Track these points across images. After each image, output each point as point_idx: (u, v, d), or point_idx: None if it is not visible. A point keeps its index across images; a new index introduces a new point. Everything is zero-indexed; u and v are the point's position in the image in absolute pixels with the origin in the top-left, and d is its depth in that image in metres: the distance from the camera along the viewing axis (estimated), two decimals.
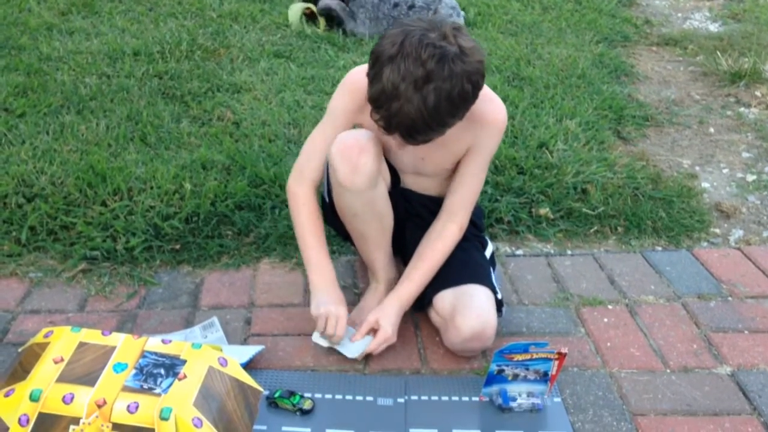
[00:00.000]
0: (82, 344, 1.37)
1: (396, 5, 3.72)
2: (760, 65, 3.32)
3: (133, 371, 1.32)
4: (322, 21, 3.73)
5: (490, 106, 1.65)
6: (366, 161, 1.60)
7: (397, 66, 1.42)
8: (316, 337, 1.72)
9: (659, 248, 2.19)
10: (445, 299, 1.72)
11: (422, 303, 1.80)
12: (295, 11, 3.78)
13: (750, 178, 2.56)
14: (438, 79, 1.41)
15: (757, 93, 3.17)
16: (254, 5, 4.01)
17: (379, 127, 1.51)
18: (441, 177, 1.78)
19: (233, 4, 4.00)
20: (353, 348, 1.71)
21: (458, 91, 1.44)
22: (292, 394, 1.57)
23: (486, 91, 1.63)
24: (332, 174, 1.66)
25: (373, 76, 1.47)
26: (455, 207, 1.75)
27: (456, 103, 1.46)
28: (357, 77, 1.64)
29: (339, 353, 1.71)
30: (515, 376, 1.58)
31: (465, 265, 1.78)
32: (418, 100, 1.42)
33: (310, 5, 3.75)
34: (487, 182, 2.33)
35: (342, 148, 1.61)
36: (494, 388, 1.60)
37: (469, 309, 1.67)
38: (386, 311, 1.73)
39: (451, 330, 1.69)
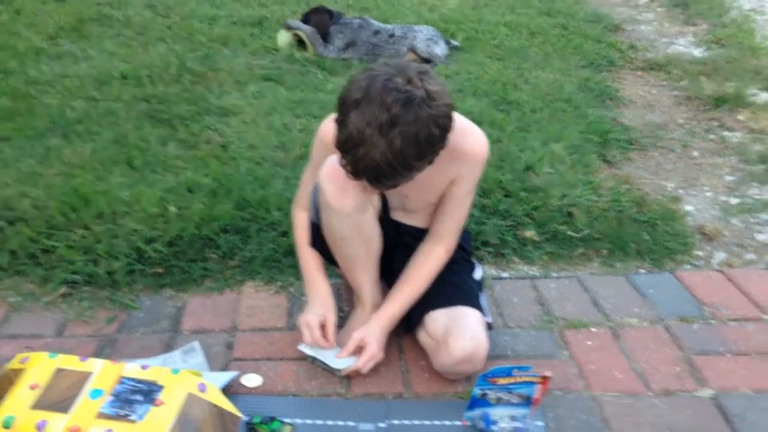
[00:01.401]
0: (59, 370, 1.35)
1: (377, 32, 3.76)
2: (744, 90, 3.35)
3: (110, 398, 1.31)
4: (311, 46, 3.77)
5: (470, 139, 1.66)
6: (355, 184, 1.60)
7: (363, 111, 1.41)
8: (303, 345, 1.73)
9: (643, 271, 2.20)
10: (438, 320, 1.72)
11: (410, 324, 1.79)
12: (284, 36, 3.82)
13: (733, 201, 2.57)
14: (403, 123, 1.40)
15: (740, 117, 3.20)
16: (244, 30, 4.04)
17: (347, 173, 1.51)
18: (428, 211, 1.79)
19: (223, 29, 4.03)
20: (338, 362, 1.71)
21: (425, 136, 1.43)
22: (272, 419, 1.56)
23: (464, 125, 1.64)
24: (321, 196, 1.66)
25: (340, 121, 1.46)
26: (442, 231, 1.76)
27: (423, 148, 1.45)
28: (327, 128, 1.66)
29: (323, 375, 1.70)
30: (498, 400, 1.57)
31: (457, 287, 1.78)
32: (384, 145, 1.41)
33: (298, 32, 3.79)
34: (473, 205, 2.33)
35: (331, 170, 1.62)
36: (477, 412, 1.59)
37: (463, 331, 1.67)
38: (372, 329, 1.73)
39: (442, 351, 1.68)
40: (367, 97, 1.41)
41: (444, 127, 1.47)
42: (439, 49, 3.72)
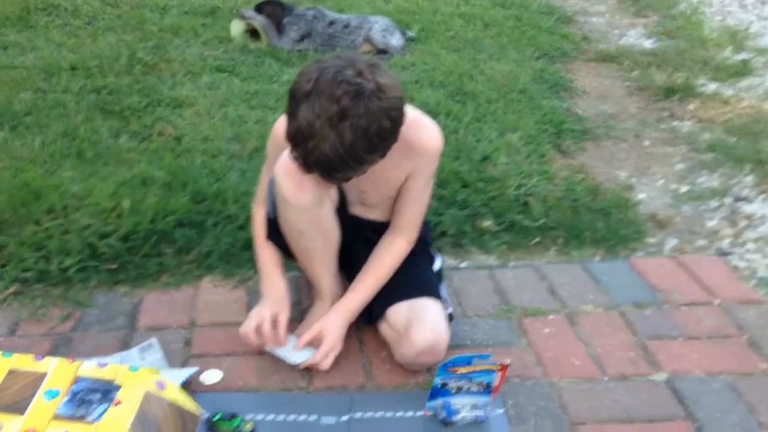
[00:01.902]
0: (12, 371, 1.32)
1: (332, 23, 3.74)
2: (693, 80, 3.43)
3: (66, 398, 1.28)
4: (264, 36, 3.72)
5: (424, 132, 1.65)
6: (310, 178, 1.59)
7: (312, 104, 1.40)
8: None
9: (598, 258, 2.24)
10: (399, 312, 1.72)
11: (371, 316, 1.80)
12: (237, 26, 3.76)
13: (683, 189, 2.64)
14: (353, 116, 1.40)
15: (690, 107, 3.28)
16: (196, 19, 3.97)
17: (298, 166, 1.50)
18: (386, 204, 1.79)
19: (174, 18, 3.95)
20: (297, 355, 1.70)
21: (375, 128, 1.42)
22: (233, 416, 1.55)
23: (418, 118, 1.64)
24: (277, 191, 1.65)
25: (290, 114, 1.45)
26: (402, 224, 1.77)
27: (373, 141, 1.44)
28: (281, 125, 1.63)
29: (285, 369, 1.70)
30: (459, 389, 1.58)
31: (417, 279, 1.79)
32: (334, 137, 1.40)
33: (252, 21, 3.74)
34: (431, 196, 2.34)
35: (287, 165, 1.60)
36: (438, 402, 1.60)
37: (424, 322, 1.68)
38: (331, 320, 1.73)
39: (404, 343, 1.69)
40: (316, 89, 1.40)
41: (395, 120, 1.46)
42: (395, 40, 3.72)
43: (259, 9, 3.81)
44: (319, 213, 1.67)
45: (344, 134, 1.40)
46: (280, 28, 3.75)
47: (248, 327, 1.71)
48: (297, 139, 1.44)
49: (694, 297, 2.04)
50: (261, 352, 1.76)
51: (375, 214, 1.82)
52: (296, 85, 1.45)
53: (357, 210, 1.82)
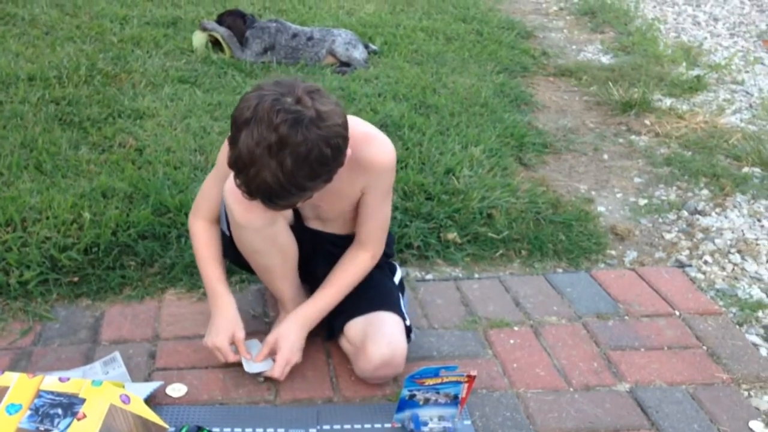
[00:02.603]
0: None
1: (295, 35, 3.74)
2: (649, 95, 3.52)
3: (28, 412, 1.25)
4: (227, 47, 3.71)
5: (375, 148, 1.65)
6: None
7: (251, 131, 1.39)
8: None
9: (560, 270, 2.28)
10: (356, 327, 1.73)
11: (333, 332, 1.79)
12: (199, 37, 3.74)
13: (642, 202, 2.70)
14: (292, 144, 1.39)
15: (647, 122, 3.36)
16: (157, 30, 3.94)
17: (242, 193, 1.49)
18: (344, 218, 1.79)
19: (135, 29, 3.91)
20: (254, 366, 1.70)
21: (316, 156, 1.41)
22: (199, 429, 1.53)
23: (370, 133, 1.65)
24: (229, 214, 1.65)
25: (232, 140, 1.44)
26: (365, 237, 1.76)
27: (314, 168, 1.43)
28: None
29: (251, 382, 1.69)
30: (426, 401, 1.59)
31: (375, 292, 1.79)
32: (275, 165, 1.39)
33: (214, 33, 3.72)
34: (396, 208, 2.35)
35: (234, 188, 1.60)
36: (406, 414, 1.60)
37: (379, 336, 1.68)
38: (285, 329, 1.71)
39: (361, 358, 1.69)
40: (255, 116, 1.39)
41: (336, 146, 1.45)
42: (358, 53, 3.73)
43: (220, 19, 3.80)
44: (273, 231, 1.66)
45: (284, 162, 1.39)
46: (242, 41, 3.74)
47: (213, 342, 1.69)
48: (238, 166, 1.43)
49: (654, 308, 2.09)
50: (226, 365, 1.74)
51: (333, 228, 1.81)
52: (237, 111, 1.44)
53: (314, 224, 1.81)
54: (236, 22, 3.76)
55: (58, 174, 2.43)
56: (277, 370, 1.68)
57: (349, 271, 1.75)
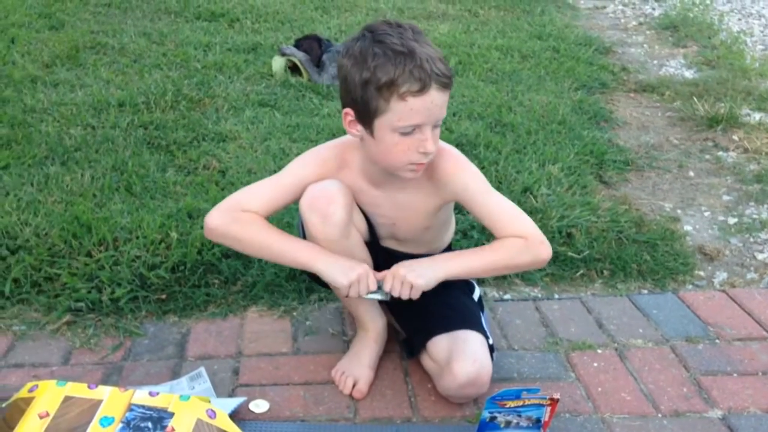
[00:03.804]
0: (67, 398, 1.34)
1: None
2: (737, 110, 3.40)
3: (120, 425, 1.30)
4: (305, 71, 3.79)
5: (446, 161, 1.65)
6: (335, 210, 1.61)
7: (381, 41, 1.49)
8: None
9: (645, 291, 2.21)
10: (440, 344, 1.70)
11: (412, 350, 1.79)
12: (278, 62, 3.84)
13: (731, 221, 2.60)
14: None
15: (735, 137, 3.24)
16: (239, 56, 4.06)
17: (415, 93, 1.47)
18: (419, 238, 1.78)
19: (218, 55, 4.04)
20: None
21: None
22: None
23: (439, 147, 1.64)
24: (305, 226, 1.67)
25: (374, 68, 1.47)
26: (501, 229, 1.66)
27: None
28: (323, 153, 1.72)
29: (331, 400, 1.71)
30: (508, 423, 1.56)
31: (457, 310, 1.77)
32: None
33: (293, 57, 3.81)
34: (473, 227, 2.34)
35: (311, 199, 1.63)
36: None
37: (465, 354, 1.66)
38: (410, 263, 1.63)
39: (446, 376, 1.67)
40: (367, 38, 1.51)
41: None
42: None
43: (297, 44, 3.89)
44: (348, 245, 1.67)
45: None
46: (319, 64, 3.82)
47: (357, 273, 1.62)
48: (399, 60, 1.46)
49: (747, 331, 2.00)
50: (307, 382, 1.77)
51: (408, 247, 1.80)
52: (342, 63, 1.54)
53: (389, 243, 1.81)
54: (313, 46, 3.84)
55: (146, 195, 2.53)
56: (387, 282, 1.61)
57: (495, 247, 1.65)
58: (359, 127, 1.57)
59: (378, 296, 1.65)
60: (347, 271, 1.61)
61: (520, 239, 1.64)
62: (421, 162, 1.57)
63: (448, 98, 1.55)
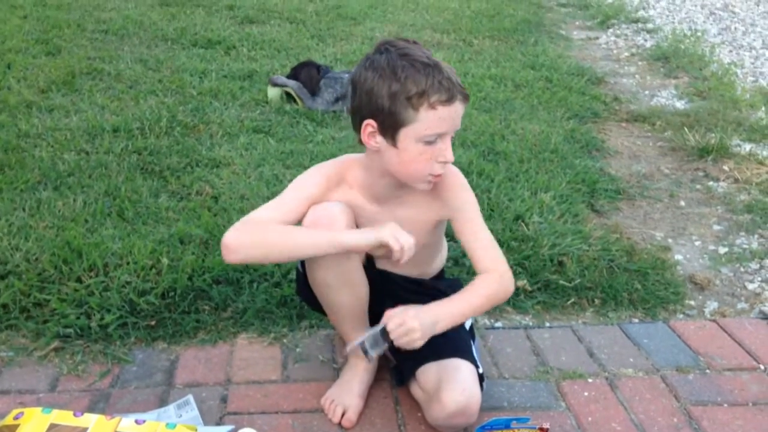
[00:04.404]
0: (53, 426, 1.33)
1: None
2: (727, 140, 3.43)
3: None
4: (299, 99, 3.81)
5: (445, 174, 1.67)
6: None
7: (408, 57, 1.54)
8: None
9: (636, 320, 2.21)
10: (429, 373, 1.70)
11: (402, 377, 1.78)
12: (273, 91, 3.86)
13: (722, 250, 2.60)
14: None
15: (725, 167, 3.27)
16: (234, 83, 4.09)
17: (444, 102, 1.52)
18: (415, 256, 1.77)
19: (213, 82, 4.07)
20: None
21: None
22: None
23: None
24: None
25: (404, 79, 1.51)
26: (481, 264, 1.71)
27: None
28: (320, 172, 1.72)
29: (319, 428, 1.69)
30: None
31: (447, 338, 1.75)
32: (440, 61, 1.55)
33: (285, 88, 3.83)
34: (463, 254, 2.34)
35: (314, 219, 1.64)
36: None
37: (454, 383, 1.65)
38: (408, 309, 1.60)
39: (434, 405, 1.66)
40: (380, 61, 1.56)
41: None
42: None
43: (295, 73, 3.92)
44: (347, 267, 1.67)
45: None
46: (314, 90, 3.84)
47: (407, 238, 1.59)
48: (427, 72, 1.51)
49: (737, 362, 1.99)
50: (296, 410, 1.76)
51: (404, 269, 1.79)
52: (361, 77, 1.57)
53: (384, 264, 1.81)
54: (311, 72, 3.88)
55: (139, 221, 2.52)
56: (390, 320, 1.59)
57: (476, 285, 1.69)
58: (379, 138, 1.59)
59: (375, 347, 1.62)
60: (380, 230, 1.58)
61: (494, 275, 1.70)
62: (439, 173, 1.61)
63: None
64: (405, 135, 1.56)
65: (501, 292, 1.71)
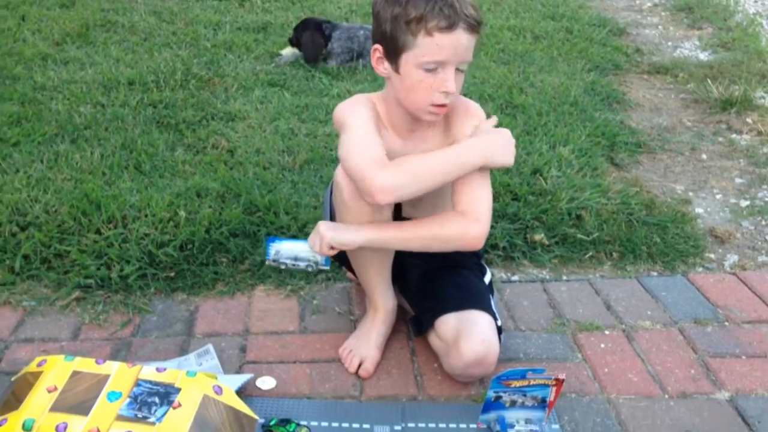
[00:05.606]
0: (75, 373, 1.35)
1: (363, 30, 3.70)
2: (751, 93, 3.35)
3: (128, 400, 1.30)
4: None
5: (458, 103, 1.67)
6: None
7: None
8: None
9: (654, 273, 2.19)
10: (448, 323, 1.70)
11: (421, 327, 1.79)
12: (289, 50, 3.78)
13: (743, 203, 2.57)
14: None
15: (749, 120, 3.20)
16: (248, 35, 4.04)
17: (442, 29, 1.49)
18: (433, 198, 1.71)
19: (227, 34, 4.03)
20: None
21: None
22: (287, 422, 1.55)
23: (458, 98, 1.66)
24: (337, 194, 1.65)
25: (405, 3, 1.49)
26: (464, 206, 1.62)
27: None
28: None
29: (337, 378, 1.72)
30: (513, 403, 1.56)
31: (466, 290, 1.77)
32: None
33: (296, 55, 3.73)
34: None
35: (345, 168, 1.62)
36: (492, 415, 1.58)
37: (473, 334, 1.66)
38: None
39: (453, 355, 1.67)
40: None
41: None
42: None
43: (296, 34, 3.68)
44: (378, 219, 1.66)
45: None
46: (317, 57, 3.65)
47: None
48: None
49: (756, 314, 1.98)
50: (313, 360, 1.78)
51: (426, 211, 1.72)
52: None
53: (409, 210, 1.79)
54: (314, 37, 3.65)
55: (155, 174, 2.53)
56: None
57: (435, 219, 1.63)
58: (386, 64, 1.59)
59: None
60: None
61: (468, 220, 1.61)
62: (442, 103, 1.57)
63: (474, 43, 1.56)
64: (405, 60, 1.54)
65: (455, 227, 1.61)
